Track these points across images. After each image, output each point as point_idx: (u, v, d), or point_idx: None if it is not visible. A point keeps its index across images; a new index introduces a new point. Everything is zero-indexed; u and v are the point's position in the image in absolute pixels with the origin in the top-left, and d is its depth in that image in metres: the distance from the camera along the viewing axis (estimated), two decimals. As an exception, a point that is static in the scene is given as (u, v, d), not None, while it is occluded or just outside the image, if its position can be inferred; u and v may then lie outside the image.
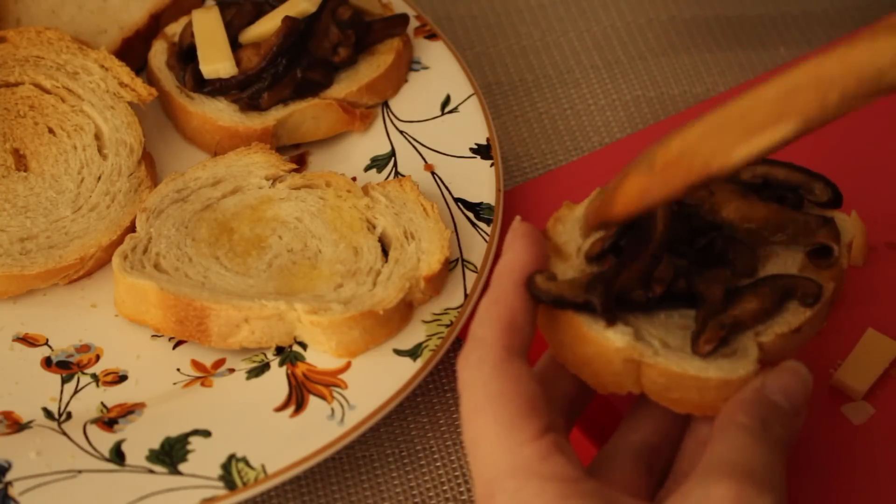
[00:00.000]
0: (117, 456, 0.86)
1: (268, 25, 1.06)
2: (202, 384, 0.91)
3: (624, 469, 0.77)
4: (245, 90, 1.05)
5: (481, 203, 1.00)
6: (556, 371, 0.81)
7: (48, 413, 0.90)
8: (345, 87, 1.06)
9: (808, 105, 0.68)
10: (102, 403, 0.90)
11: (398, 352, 0.91)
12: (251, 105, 1.04)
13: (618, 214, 0.76)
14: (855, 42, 0.67)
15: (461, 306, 0.94)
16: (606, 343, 0.77)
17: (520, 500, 0.72)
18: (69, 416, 0.90)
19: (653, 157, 0.73)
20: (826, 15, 1.26)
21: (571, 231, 0.83)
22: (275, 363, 0.92)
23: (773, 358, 0.78)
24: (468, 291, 0.94)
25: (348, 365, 0.91)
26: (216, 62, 1.04)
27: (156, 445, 0.86)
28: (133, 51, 1.10)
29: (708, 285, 0.79)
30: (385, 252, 0.96)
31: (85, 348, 0.94)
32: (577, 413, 0.83)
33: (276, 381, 0.90)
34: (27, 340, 0.94)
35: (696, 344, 0.77)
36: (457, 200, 1.01)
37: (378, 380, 0.90)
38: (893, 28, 0.66)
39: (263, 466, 0.85)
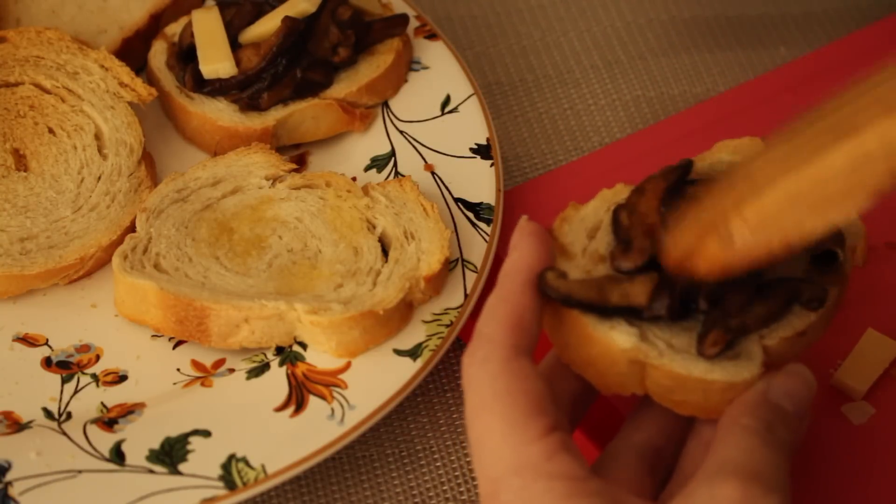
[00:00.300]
0: (117, 456, 0.86)
1: (268, 25, 1.06)
2: (202, 384, 0.91)
3: (627, 469, 0.77)
4: (245, 90, 1.05)
5: (481, 203, 1.00)
6: (560, 371, 0.81)
7: (48, 413, 0.90)
8: (345, 87, 1.06)
9: (879, 178, 0.70)
10: (102, 403, 0.90)
11: (398, 352, 0.91)
12: (251, 105, 1.04)
13: (701, 278, 0.77)
14: None
15: (461, 306, 0.94)
16: (611, 344, 0.77)
17: (525, 499, 0.72)
18: (69, 416, 0.90)
19: (728, 224, 0.75)
20: (826, 15, 1.26)
21: (577, 231, 0.83)
22: (275, 363, 0.92)
23: (778, 361, 0.78)
24: (468, 291, 0.94)
25: (348, 365, 0.91)
26: (216, 62, 1.04)
27: (156, 445, 0.86)
28: (133, 51, 1.10)
29: (730, 292, 0.79)
30: (385, 252, 0.96)
31: (85, 348, 0.94)
32: (581, 413, 0.82)
33: (276, 381, 0.90)
34: (27, 340, 0.94)
35: (701, 346, 0.77)
36: (457, 200, 1.01)
37: (378, 380, 0.90)
38: None
39: (263, 466, 0.85)
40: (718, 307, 0.78)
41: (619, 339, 0.77)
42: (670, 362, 0.76)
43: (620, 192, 0.86)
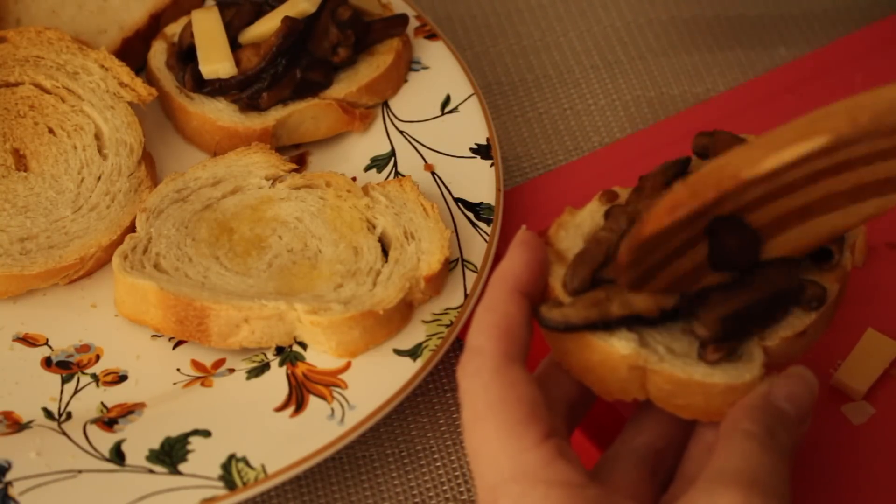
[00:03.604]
0: (117, 456, 0.86)
1: (267, 25, 1.06)
2: (202, 384, 0.91)
3: (627, 473, 0.77)
4: (245, 90, 1.05)
5: (481, 203, 1.00)
6: (556, 375, 0.81)
7: (48, 413, 0.90)
8: (344, 87, 1.06)
9: (838, 123, 0.70)
10: (102, 403, 0.90)
11: (398, 352, 0.91)
12: (251, 105, 1.04)
13: (649, 231, 0.74)
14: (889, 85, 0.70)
15: (461, 306, 0.94)
16: (611, 350, 0.77)
17: None
18: (69, 416, 0.90)
19: (684, 180, 0.74)
20: (826, 15, 1.26)
21: (573, 237, 0.83)
22: (275, 363, 0.92)
23: (778, 361, 0.78)
24: (468, 291, 0.94)
25: (348, 365, 0.91)
26: (216, 62, 1.04)
27: (156, 445, 0.86)
28: (133, 51, 1.10)
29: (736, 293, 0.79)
30: (385, 252, 0.96)
31: (85, 348, 0.94)
32: (579, 417, 0.82)
33: (276, 381, 0.90)
34: (27, 340, 0.94)
35: (703, 351, 0.77)
36: (457, 200, 1.01)
37: (378, 380, 0.90)
38: None
39: (263, 466, 0.85)
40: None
41: (618, 345, 0.77)
42: (671, 367, 0.76)
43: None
